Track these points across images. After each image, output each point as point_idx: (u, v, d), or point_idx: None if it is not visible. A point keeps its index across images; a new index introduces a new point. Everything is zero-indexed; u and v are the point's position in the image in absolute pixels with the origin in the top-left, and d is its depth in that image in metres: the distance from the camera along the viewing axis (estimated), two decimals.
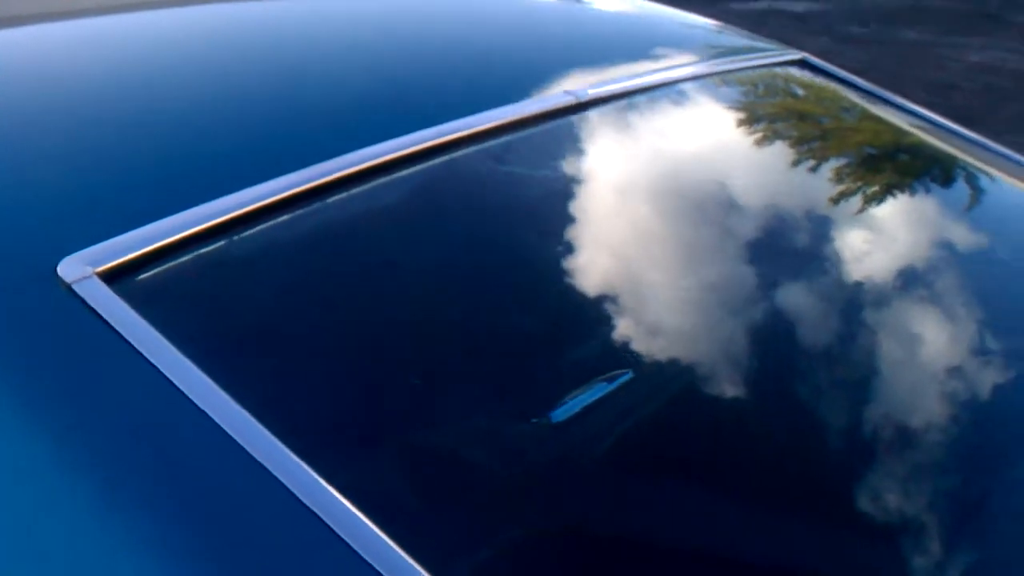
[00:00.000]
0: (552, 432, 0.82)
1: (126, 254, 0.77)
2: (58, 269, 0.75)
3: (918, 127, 1.55)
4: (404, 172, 0.95)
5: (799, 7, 9.39)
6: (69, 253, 0.76)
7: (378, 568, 0.62)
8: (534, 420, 0.83)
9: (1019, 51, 8.02)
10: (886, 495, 0.85)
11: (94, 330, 0.72)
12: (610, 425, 0.85)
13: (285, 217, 0.86)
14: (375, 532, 0.63)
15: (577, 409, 0.83)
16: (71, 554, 0.63)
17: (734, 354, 0.98)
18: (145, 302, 0.74)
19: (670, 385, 0.92)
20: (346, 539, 0.62)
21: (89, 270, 0.75)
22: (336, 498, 0.65)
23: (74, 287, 0.74)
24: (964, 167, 1.51)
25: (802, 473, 0.87)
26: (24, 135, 0.94)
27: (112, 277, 0.75)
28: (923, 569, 0.82)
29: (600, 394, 0.85)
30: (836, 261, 1.14)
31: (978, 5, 10.92)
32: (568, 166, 1.13)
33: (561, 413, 0.83)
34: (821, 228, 1.22)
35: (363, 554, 0.62)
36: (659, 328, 0.96)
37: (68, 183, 0.86)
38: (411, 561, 0.63)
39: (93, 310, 0.73)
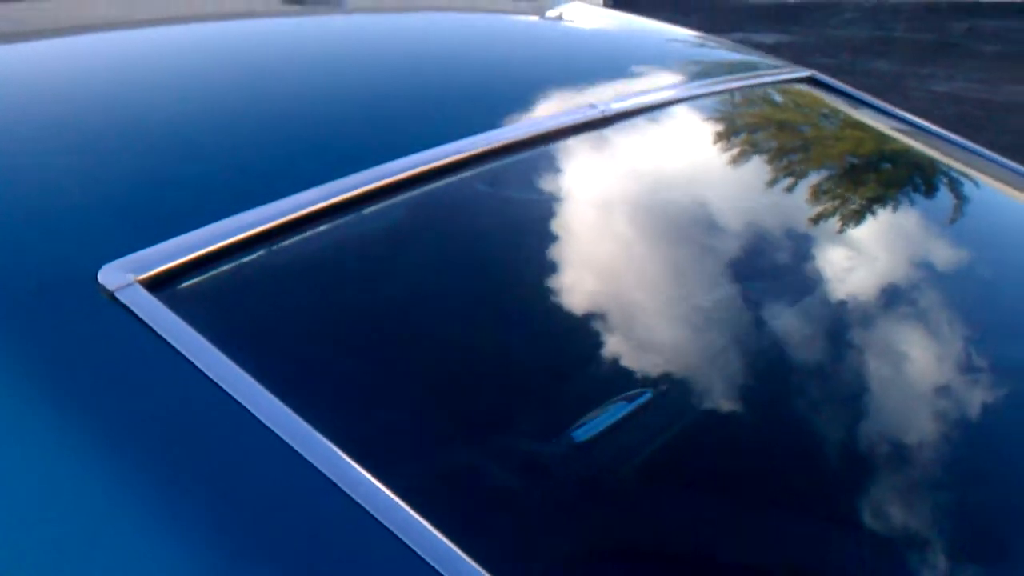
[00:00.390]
0: (573, 450, 0.82)
1: (168, 262, 0.76)
2: (99, 277, 0.73)
3: (928, 143, 1.56)
4: (436, 184, 0.96)
5: (770, 39, 9.54)
6: (108, 261, 0.75)
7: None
8: (554, 438, 0.83)
9: (984, 80, 8.16)
10: (887, 504, 0.85)
11: (139, 337, 0.71)
12: (620, 443, 0.84)
13: (325, 226, 0.86)
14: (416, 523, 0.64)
15: (598, 429, 0.83)
16: (123, 563, 0.61)
17: (753, 367, 0.98)
18: (188, 309, 0.73)
19: (686, 401, 0.91)
20: (390, 527, 0.63)
21: (131, 277, 0.74)
22: (382, 493, 0.65)
23: (117, 294, 0.72)
24: (977, 182, 1.52)
25: (804, 481, 0.87)
26: (62, 142, 0.94)
27: (154, 285, 0.74)
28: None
29: (619, 414, 0.85)
30: (848, 275, 1.15)
31: (941, 35, 11.13)
32: (585, 181, 1.13)
33: (581, 432, 0.82)
34: (835, 242, 1.21)
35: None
36: (680, 343, 0.96)
37: (106, 190, 0.86)
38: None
39: (137, 317, 0.72)
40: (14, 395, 0.68)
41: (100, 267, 0.74)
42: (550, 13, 1.67)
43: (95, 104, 1.04)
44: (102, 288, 0.73)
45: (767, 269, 1.13)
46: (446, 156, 0.96)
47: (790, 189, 1.31)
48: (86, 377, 0.69)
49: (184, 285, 0.76)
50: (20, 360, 0.69)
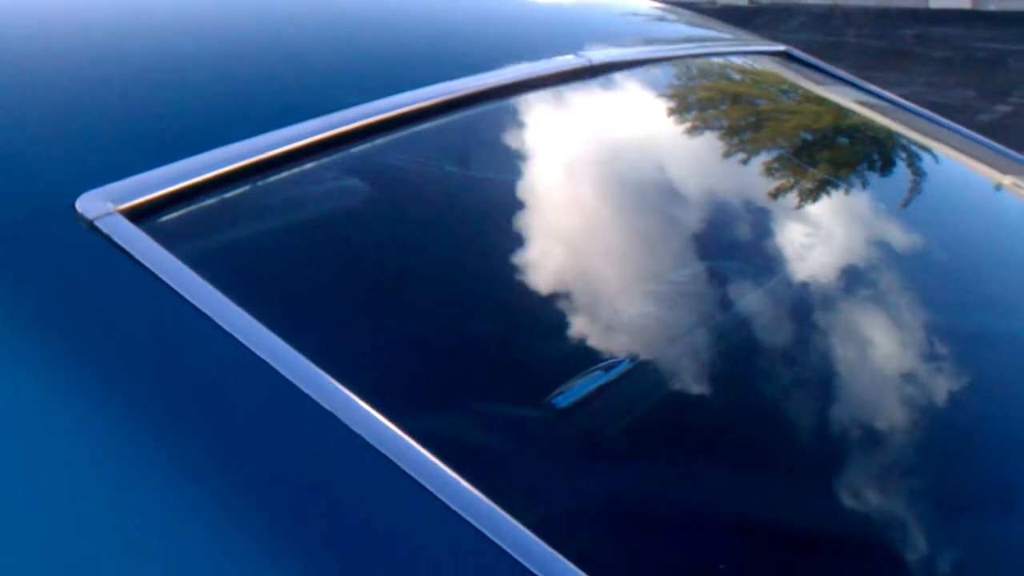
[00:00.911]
0: (555, 415, 0.81)
1: (148, 192, 0.74)
2: (77, 205, 0.71)
3: (909, 122, 1.57)
4: (422, 126, 0.95)
5: None
6: (85, 190, 0.72)
7: None
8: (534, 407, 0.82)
9: (934, 84, 8.30)
10: (854, 476, 0.86)
11: (120, 266, 0.69)
12: (601, 410, 0.84)
13: (309, 163, 0.85)
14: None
15: (577, 396, 0.82)
16: (116, 500, 0.58)
17: (726, 337, 0.99)
18: (170, 239, 0.72)
19: (662, 369, 0.91)
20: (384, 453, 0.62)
21: (111, 206, 0.72)
22: (360, 408, 0.64)
23: (96, 223, 0.70)
24: (956, 161, 1.54)
25: (779, 448, 0.87)
26: (42, 71, 0.92)
27: (135, 215, 0.72)
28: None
29: (599, 382, 0.84)
30: (818, 248, 1.15)
31: (892, 42, 11.29)
32: (556, 140, 1.12)
33: (561, 399, 0.81)
34: (809, 214, 1.22)
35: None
36: (653, 312, 0.96)
37: (83, 120, 0.84)
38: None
39: (118, 246, 0.69)
40: None
41: (78, 197, 0.71)
42: None
43: (76, 33, 1.02)
44: (80, 217, 0.70)
45: (740, 239, 1.13)
46: (436, 96, 0.96)
47: (763, 160, 1.31)
48: (65, 306, 0.67)
49: (166, 216, 0.74)
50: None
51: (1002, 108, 7.87)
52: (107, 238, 0.69)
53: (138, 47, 1.00)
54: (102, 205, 0.71)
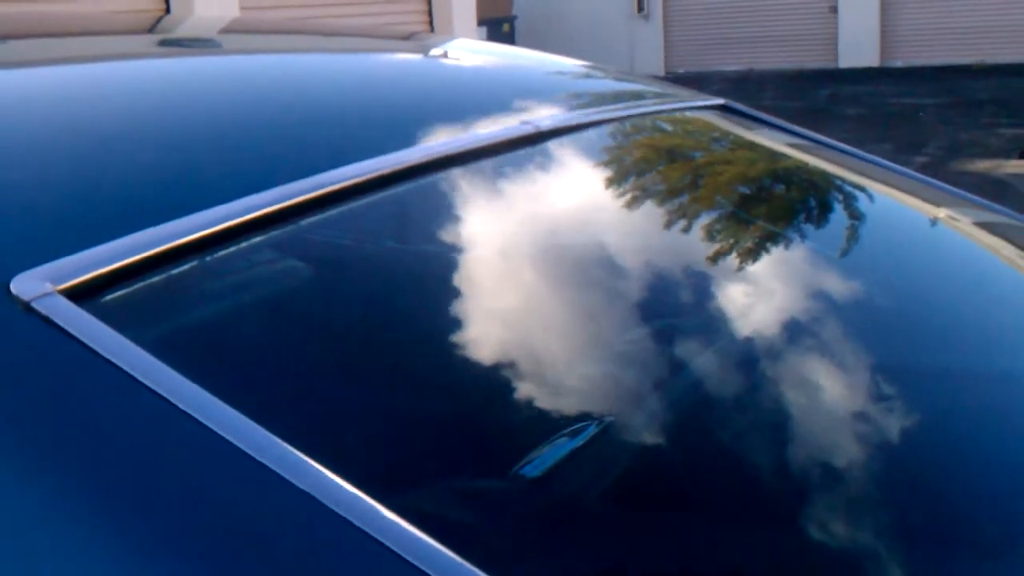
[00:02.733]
0: (526, 485, 0.78)
1: (87, 272, 0.70)
2: (11, 286, 0.67)
3: (845, 164, 1.59)
4: (366, 200, 0.94)
5: None
6: (20, 271, 0.68)
7: None
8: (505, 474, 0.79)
9: (851, 141, 8.49)
10: (824, 519, 0.85)
11: (62, 347, 0.64)
12: (571, 476, 0.82)
13: (252, 238, 0.83)
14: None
15: (548, 464, 0.80)
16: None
17: (689, 390, 0.97)
18: (114, 318, 0.68)
19: (628, 430, 0.89)
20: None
21: (49, 286, 0.67)
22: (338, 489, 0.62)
23: (33, 304, 0.66)
24: (898, 201, 1.55)
25: (743, 498, 0.86)
26: None
27: (74, 294, 0.68)
28: None
29: (567, 448, 0.82)
30: (765, 299, 1.15)
31: (808, 102, 11.66)
32: (501, 205, 1.11)
33: (530, 469, 0.79)
34: (754, 266, 1.21)
35: None
36: (611, 373, 0.94)
37: (16, 197, 0.80)
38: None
39: (59, 327, 0.65)
40: None
41: (12, 277, 0.67)
42: (435, 51, 1.67)
43: (7, 109, 1.00)
44: (16, 298, 0.66)
45: (696, 297, 1.12)
46: (367, 172, 0.94)
47: (718, 216, 1.31)
48: (3, 392, 0.62)
49: (107, 296, 0.70)
50: None
51: (920, 159, 8.12)
52: (46, 319, 0.65)
53: (74, 123, 0.97)
54: (39, 285, 0.67)
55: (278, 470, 0.60)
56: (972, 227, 1.56)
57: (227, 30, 1.77)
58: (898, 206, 1.56)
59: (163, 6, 6.64)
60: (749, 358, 1.03)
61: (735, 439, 0.93)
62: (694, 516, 0.82)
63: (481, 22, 11.14)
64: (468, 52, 1.65)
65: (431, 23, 9.06)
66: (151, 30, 1.70)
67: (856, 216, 1.47)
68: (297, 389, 0.77)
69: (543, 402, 0.86)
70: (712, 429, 0.93)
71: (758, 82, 13.94)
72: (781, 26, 15.38)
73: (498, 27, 14.23)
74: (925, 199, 1.57)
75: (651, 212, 1.25)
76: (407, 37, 1.92)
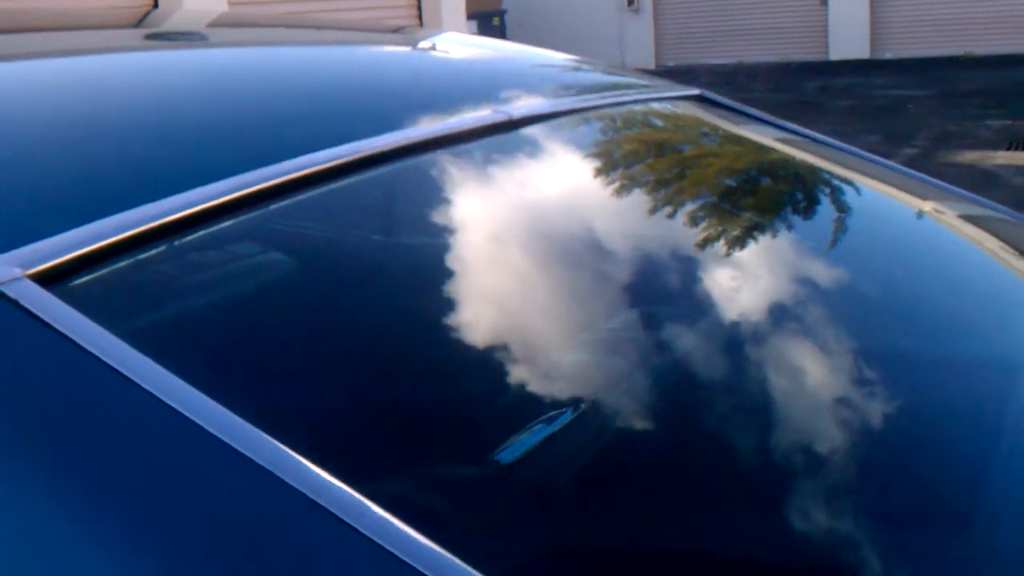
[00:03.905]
0: (501, 471, 0.79)
1: (56, 257, 0.70)
2: None
3: (826, 156, 1.59)
4: (335, 184, 0.94)
5: None
6: None
7: None
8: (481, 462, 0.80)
9: (840, 133, 8.50)
10: (805, 507, 0.86)
11: (32, 332, 0.65)
12: (547, 462, 0.83)
13: (224, 222, 0.83)
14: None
15: (523, 450, 0.80)
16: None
17: (666, 379, 0.98)
18: (83, 303, 0.68)
19: (604, 417, 0.90)
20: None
21: (19, 271, 0.68)
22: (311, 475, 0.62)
23: (2, 289, 0.66)
24: (874, 190, 1.56)
25: (726, 487, 0.87)
26: None
27: (44, 279, 0.69)
28: None
29: (542, 434, 0.82)
30: (748, 287, 1.15)
31: (796, 95, 11.66)
32: (482, 192, 1.12)
33: (506, 455, 0.80)
34: (738, 253, 1.22)
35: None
36: (590, 360, 0.95)
37: None
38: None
39: (28, 311, 0.66)
40: None
41: None
42: (419, 44, 1.67)
43: None
44: None
45: (672, 284, 1.13)
46: (342, 156, 0.94)
47: (690, 204, 1.32)
48: None
49: (77, 280, 0.71)
50: None
51: (908, 151, 8.13)
52: (15, 303, 0.66)
53: (41, 108, 0.97)
54: (8, 270, 0.67)
55: (248, 453, 0.61)
56: (956, 219, 1.57)
57: (213, 24, 1.77)
58: (873, 194, 1.57)
59: (151, 1, 6.63)
60: (728, 346, 1.04)
61: (717, 426, 0.93)
62: (674, 502, 0.83)
63: (471, 16, 11.13)
64: (450, 44, 1.66)
65: (420, 17, 9.04)
66: (137, 24, 1.70)
67: (832, 205, 1.48)
68: (269, 374, 0.78)
69: (523, 389, 0.86)
70: (694, 417, 0.94)
71: (748, 74, 13.93)
72: (771, 18, 15.38)
73: (488, 20, 14.21)
74: (901, 188, 1.58)
75: (624, 200, 1.25)
76: (392, 31, 1.92)
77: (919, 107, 10.30)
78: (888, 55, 14.56)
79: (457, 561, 0.60)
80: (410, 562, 0.58)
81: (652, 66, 15.68)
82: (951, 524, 0.90)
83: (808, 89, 12.10)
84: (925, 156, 7.89)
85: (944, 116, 9.62)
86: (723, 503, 0.84)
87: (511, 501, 0.79)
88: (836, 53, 14.80)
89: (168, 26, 1.75)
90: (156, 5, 6.59)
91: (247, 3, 7.18)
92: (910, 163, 7.34)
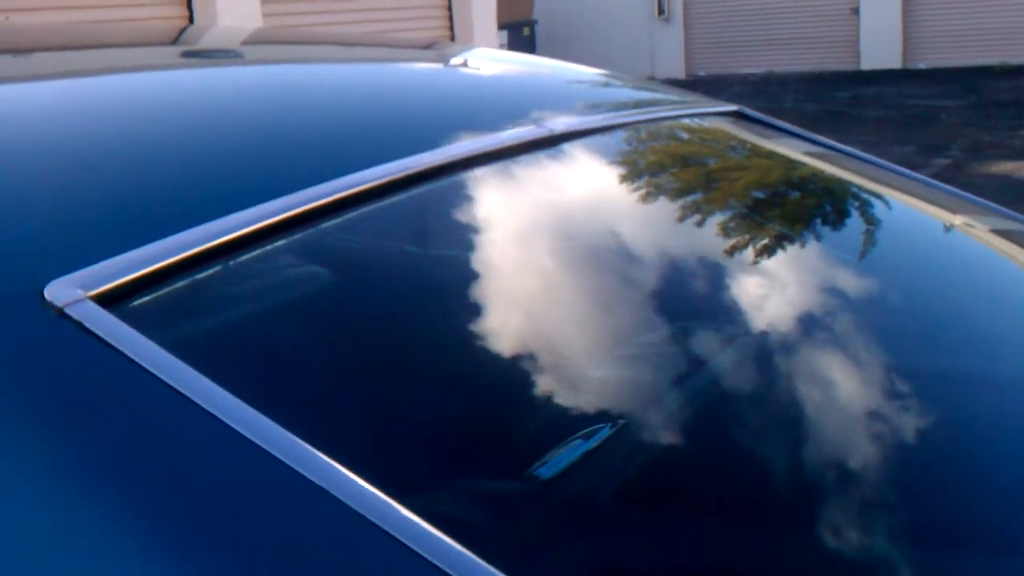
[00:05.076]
0: (541, 487, 0.80)
1: (118, 277, 0.72)
2: (45, 293, 0.69)
3: (861, 170, 1.59)
4: (393, 199, 0.96)
5: None
6: (53, 278, 0.70)
7: None
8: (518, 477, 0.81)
9: (871, 143, 8.48)
10: (844, 521, 0.85)
11: (94, 353, 0.66)
12: (586, 477, 0.83)
13: (280, 240, 0.84)
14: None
15: (562, 465, 0.81)
16: None
17: (708, 391, 0.98)
18: (145, 323, 0.70)
19: (643, 433, 0.90)
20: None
21: (81, 292, 0.69)
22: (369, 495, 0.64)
23: (66, 310, 0.68)
24: (910, 208, 1.56)
25: (763, 501, 0.87)
26: (3, 158, 0.90)
27: (105, 300, 0.70)
28: None
29: (581, 450, 0.83)
30: (784, 304, 1.15)
31: (828, 105, 11.60)
32: (524, 208, 1.13)
33: (545, 470, 0.80)
34: (776, 270, 1.22)
35: None
36: (627, 376, 0.95)
37: (49, 204, 0.82)
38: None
39: (91, 332, 0.67)
40: None
41: (46, 284, 0.69)
42: (458, 60, 1.69)
43: (39, 116, 1.02)
44: (50, 305, 0.68)
45: (711, 299, 1.13)
46: (393, 173, 0.96)
47: (730, 219, 1.32)
48: (37, 398, 0.64)
49: (138, 301, 0.72)
50: None
51: (941, 162, 8.07)
52: (79, 325, 0.67)
53: (104, 129, 0.99)
54: (72, 292, 0.69)
55: (303, 471, 0.62)
56: (987, 233, 1.57)
57: (251, 41, 1.80)
58: (913, 213, 1.57)
59: (186, 13, 6.70)
60: (762, 362, 1.04)
61: (753, 441, 0.93)
62: (710, 516, 0.83)
63: (501, 26, 11.16)
64: (486, 61, 1.67)
65: (452, 29, 9.08)
66: (176, 41, 1.72)
67: (870, 223, 1.47)
68: (321, 392, 0.79)
69: (562, 403, 0.87)
70: (729, 431, 0.94)
71: (779, 84, 13.88)
72: (802, 28, 15.32)
73: (518, 31, 14.25)
74: (939, 205, 1.58)
75: (665, 216, 1.26)
76: (427, 46, 1.94)
77: (952, 117, 10.23)
78: (921, 65, 14.47)
79: (498, 573, 0.61)
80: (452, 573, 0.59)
81: (682, 76, 15.66)
82: (988, 543, 0.90)
83: (840, 99, 12.05)
84: (958, 167, 7.83)
85: (978, 126, 9.55)
86: (762, 520, 0.84)
87: (550, 516, 0.79)
88: (867, 63, 14.72)
89: (209, 43, 1.77)
90: (191, 20, 6.66)
91: (281, 15, 7.24)
92: (943, 173, 7.29)
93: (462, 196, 1.06)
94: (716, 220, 1.30)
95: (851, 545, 0.83)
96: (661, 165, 1.39)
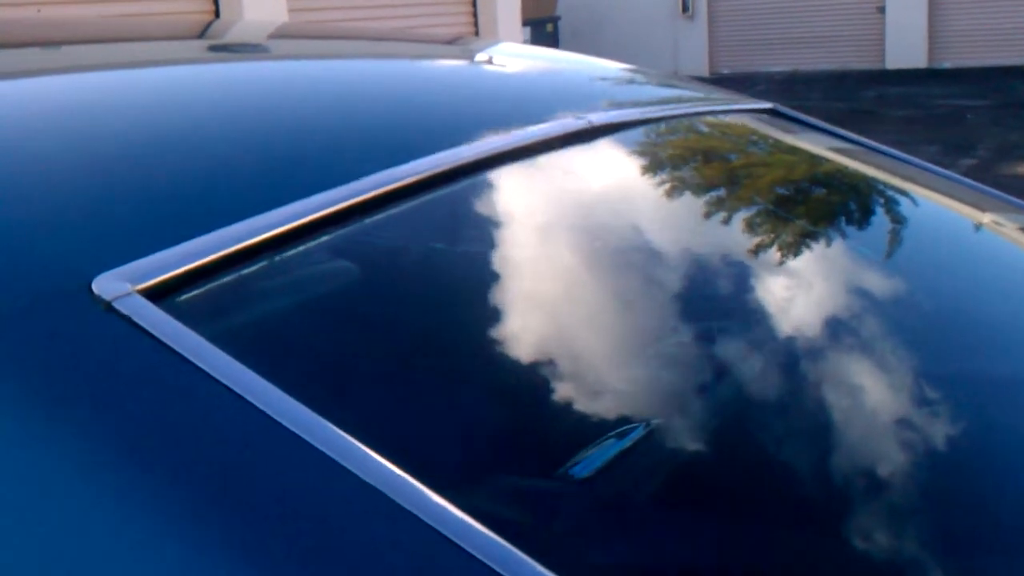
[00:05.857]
0: (575, 486, 0.80)
1: (166, 271, 0.72)
2: (93, 287, 0.69)
3: (895, 168, 1.58)
4: (441, 192, 0.96)
5: None
6: (101, 271, 0.70)
7: None
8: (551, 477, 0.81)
9: (899, 143, 8.40)
10: (871, 525, 0.85)
11: (142, 346, 0.66)
12: (621, 476, 0.83)
13: (325, 235, 0.85)
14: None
15: (596, 464, 0.81)
16: None
17: (740, 392, 0.98)
18: (192, 317, 0.70)
19: (675, 433, 0.89)
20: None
21: (129, 287, 0.69)
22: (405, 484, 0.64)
23: (114, 304, 0.68)
24: (944, 207, 1.55)
25: (791, 504, 0.86)
26: (53, 150, 0.91)
27: (153, 294, 0.70)
28: None
29: (615, 449, 0.83)
30: (821, 305, 1.14)
31: (854, 104, 11.54)
32: (558, 201, 1.13)
33: (579, 469, 0.80)
34: (806, 270, 1.22)
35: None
36: (660, 376, 0.94)
37: (97, 198, 0.83)
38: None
39: (139, 326, 0.67)
40: (8, 415, 0.62)
41: (94, 278, 0.69)
42: (485, 55, 1.69)
43: (89, 110, 1.02)
44: (98, 298, 0.68)
45: (746, 298, 1.13)
46: (434, 167, 0.96)
47: (766, 217, 1.32)
48: (85, 391, 0.64)
49: (185, 295, 0.73)
50: (13, 376, 0.64)
51: (968, 162, 8.02)
52: (126, 319, 0.67)
53: (152, 124, 0.99)
54: (120, 286, 0.69)
55: (348, 465, 0.62)
56: (1018, 232, 1.56)
57: (281, 35, 1.80)
58: (947, 212, 1.56)
59: (213, 8, 6.72)
60: (794, 362, 1.03)
61: (786, 441, 0.93)
62: (743, 516, 0.83)
63: (525, 22, 11.16)
64: (515, 57, 1.67)
65: (476, 24, 9.08)
66: (211, 35, 1.73)
67: (903, 221, 1.47)
68: (364, 388, 0.79)
69: (597, 403, 0.87)
70: (762, 432, 0.94)
71: (804, 83, 13.82)
72: (827, 26, 15.24)
73: (542, 27, 14.23)
74: (972, 204, 1.57)
75: (700, 212, 1.26)
76: (453, 41, 1.94)
77: (979, 117, 10.15)
78: (947, 64, 14.37)
79: (539, 566, 0.61)
80: (495, 567, 0.60)
81: (706, 73, 15.61)
82: (1018, 550, 0.89)
83: (866, 98, 11.98)
84: (985, 167, 7.77)
85: (1005, 126, 9.48)
86: (794, 520, 0.84)
87: (585, 515, 0.79)
88: (893, 62, 14.63)
89: (241, 38, 1.77)
90: (217, 15, 6.69)
91: (306, 10, 7.26)
92: (969, 174, 7.23)
93: (501, 191, 1.06)
94: (753, 218, 1.29)
95: (883, 547, 0.82)
96: (696, 161, 1.39)
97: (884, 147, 1.64)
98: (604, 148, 1.20)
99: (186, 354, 0.66)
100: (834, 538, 0.82)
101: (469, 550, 0.60)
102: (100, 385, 0.65)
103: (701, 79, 12.97)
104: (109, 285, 0.69)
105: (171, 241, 0.74)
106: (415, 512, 0.61)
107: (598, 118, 1.18)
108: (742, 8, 15.83)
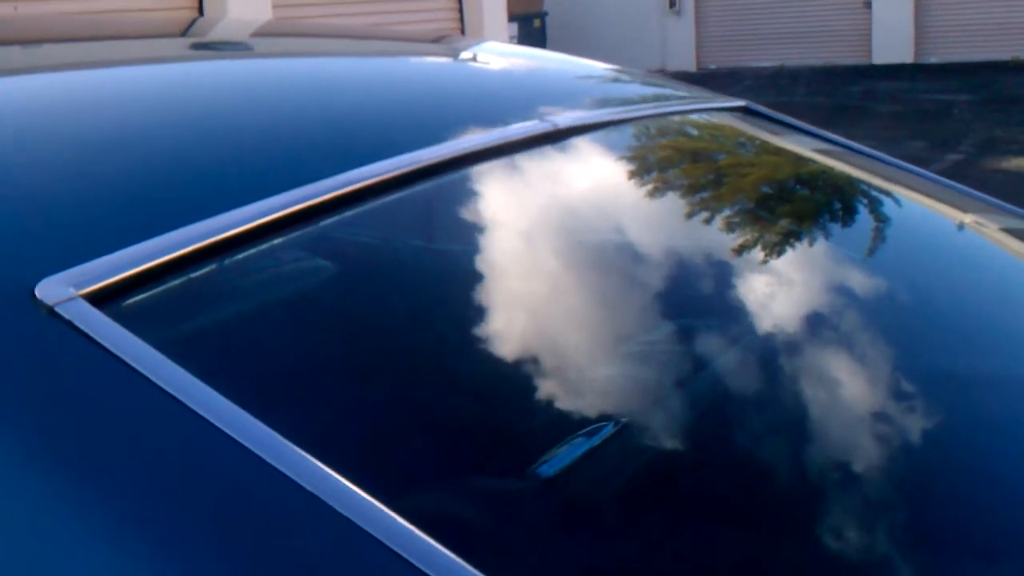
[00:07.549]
0: (542, 485, 0.79)
1: (109, 276, 0.71)
2: (36, 291, 0.68)
3: (867, 167, 1.58)
4: (392, 196, 0.94)
5: None
6: (44, 276, 0.69)
7: None
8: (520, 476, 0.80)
9: (885, 138, 8.45)
10: (846, 524, 0.85)
11: (84, 352, 0.66)
12: (588, 476, 0.83)
13: (275, 240, 0.84)
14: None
15: (564, 464, 0.81)
16: None
17: (713, 389, 0.98)
18: (136, 322, 0.69)
19: (646, 431, 0.89)
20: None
21: (72, 291, 0.69)
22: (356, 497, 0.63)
23: (57, 309, 0.67)
24: (916, 204, 1.55)
25: (765, 503, 0.86)
26: None
27: (97, 299, 0.69)
28: None
29: (583, 448, 0.82)
30: (790, 304, 1.14)
31: (842, 100, 11.56)
32: (526, 203, 1.12)
33: (546, 468, 0.80)
34: (781, 266, 1.21)
35: None
36: (631, 375, 0.94)
37: (40, 202, 0.81)
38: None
39: (82, 332, 0.66)
40: None
41: (37, 282, 0.68)
42: (462, 54, 1.68)
43: (29, 113, 1.01)
44: (40, 303, 0.67)
45: (714, 297, 1.12)
46: (394, 169, 0.94)
47: (734, 216, 1.31)
48: (26, 397, 0.64)
49: (130, 300, 0.72)
50: None
51: (953, 157, 8.04)
52: (69, 324, 0.67)
53: (95, 126, 0.98)
54: (63, 290, 0.68)
55: (289, 473, 0.61)
56: (997, 232, 1.56)
57: (258, 33, 1.79)
58: (919, 209, 1.56)
59: (196, 4, 6.70)
60: (770, 360, 1.03)
61: (760, 440, 0.93)
62: (713, 516, 0.83)
63: (512, 18, 11.14)
64: (493, 56, 1.66)
65: (462, 20, 9.06)
66: (183, 33, 1.72)
67: (876, 219, 1.47)
68: (316, 394, 0.79)
69: (565, 402, 0.86)
70: (736, 431, 0.94)
71: (790, 78, 13.83)
72: (814, 22, 15.26)
73: (529, 23, 14.22)
74: (948, 203, 1.57)
75: (670, 212, 1.25)
76: (435, 40, 1.93)
77: (965, 112, 10.18)
78: (934, 59, 14.40)
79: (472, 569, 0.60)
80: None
81: (693, 69, 15.62)
82: (998, 545, 0.89)
83: (852, 93, 12.00)
84: (971, 162, 7.79)
85: (990, 121, 9.50)
86: (766, 520, 0.84)
87: (550, 515, 0.79)
88: (880, 57, 14.65)
89: (216, 36, 1.76)
90: (201, 13, 6.66)
91: (290, 6, 7.24)
92: (955, 169, 7.25)
93: (467, 191, 1.05)
94: (722, 216, 1.29)
95: (854, 546, 0.82)
96: (667, 161, 1.39)
97: (855, 144, 1.64)
98: (572, 149, 1.19)
99: (128, 360, 0.65)
100: (809, 537, 0.82)
101: (418, 564, 0.59)
102: (41, 391, 0.64)
103: (688, 75, 12.98)
104: (52, 289, 0.68)
105: (117, 245, 0.73)
106: (356, 520, 0.60)
107: (565, 120, 1.18)
108: (729, 3, 15.83)
